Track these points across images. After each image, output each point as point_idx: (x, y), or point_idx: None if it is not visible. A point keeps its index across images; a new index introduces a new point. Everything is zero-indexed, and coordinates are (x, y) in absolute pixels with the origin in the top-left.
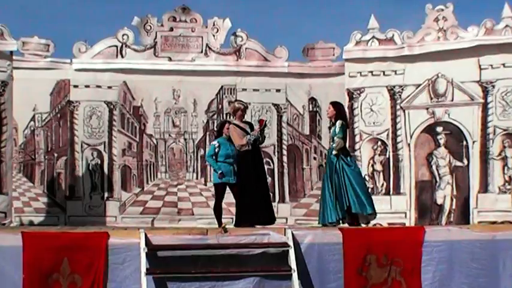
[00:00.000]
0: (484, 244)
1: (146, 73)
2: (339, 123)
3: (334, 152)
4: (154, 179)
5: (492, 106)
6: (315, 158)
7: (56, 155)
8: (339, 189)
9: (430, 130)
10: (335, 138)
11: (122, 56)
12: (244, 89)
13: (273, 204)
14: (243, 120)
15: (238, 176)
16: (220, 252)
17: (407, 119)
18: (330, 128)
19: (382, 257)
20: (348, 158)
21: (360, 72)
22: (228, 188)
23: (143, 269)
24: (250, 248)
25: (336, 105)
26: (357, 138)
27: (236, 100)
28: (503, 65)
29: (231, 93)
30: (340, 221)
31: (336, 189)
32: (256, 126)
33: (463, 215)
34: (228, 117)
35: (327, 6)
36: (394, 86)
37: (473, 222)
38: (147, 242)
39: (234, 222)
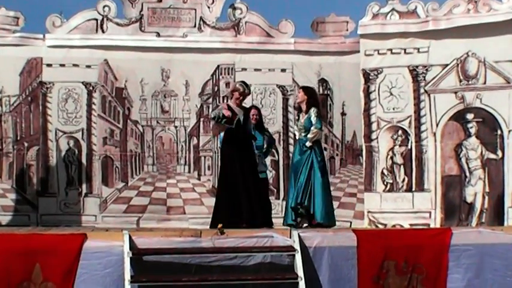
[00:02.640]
0: None
1: (131, 50)
2: (314, 111)
3: (308, 144)
4: (140, 172)
5: None
6: (325, 149)
7: (26, 144)
8: (300, 187)
9: (458, 117)
10: (312, 128)
11: (103, 31)
12: (244, 69)
13: (278, 202)
14: (240, 105)
15: (221, 170)
16: (216, 257)
17: (432, 104)
18: (298, 115)
19: (402, 263)
20: (319, 152)
21: (378, 50)
22: None
23: (127, 277)
24: (250, 252)
25: (307, 90)
26: (374, 127)
27: (241, 81)
28: None
29: (228, 74)
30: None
31: (298, 187)
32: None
33: (496, 215)
34: (225, 100)
35: None
36: (417, 66)
37: (508, 224)
38: (132, 245)
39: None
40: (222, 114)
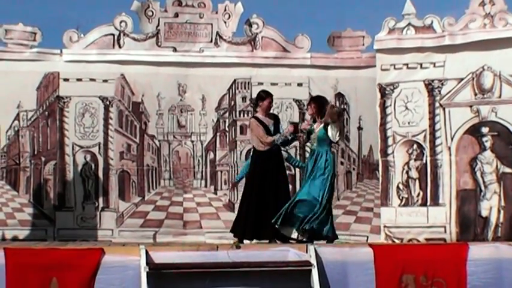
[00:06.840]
0: None
1: (147, 65)
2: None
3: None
4: (156, 187)
5: None
6: (342, 163)
7: (43, 159)
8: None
9: (474, 131)
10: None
11: (120, 46)
12: (260, 83)
13: None
14: (268, 113)
15: (248, 178)
16: (232, 272)
17: (447, 118)
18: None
19: (421, 277)
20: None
21: (394, 65)
22: None
23: None
24: (266, 266)
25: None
26: (390, 141)
27: (263, 90)
28: None
29: (245, 88)
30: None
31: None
32: (287, 128)
33: None
34: (242, 114)
35: None
36: (432, 81)
37: None
38: (149, 259)
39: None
40: (289, 135)
